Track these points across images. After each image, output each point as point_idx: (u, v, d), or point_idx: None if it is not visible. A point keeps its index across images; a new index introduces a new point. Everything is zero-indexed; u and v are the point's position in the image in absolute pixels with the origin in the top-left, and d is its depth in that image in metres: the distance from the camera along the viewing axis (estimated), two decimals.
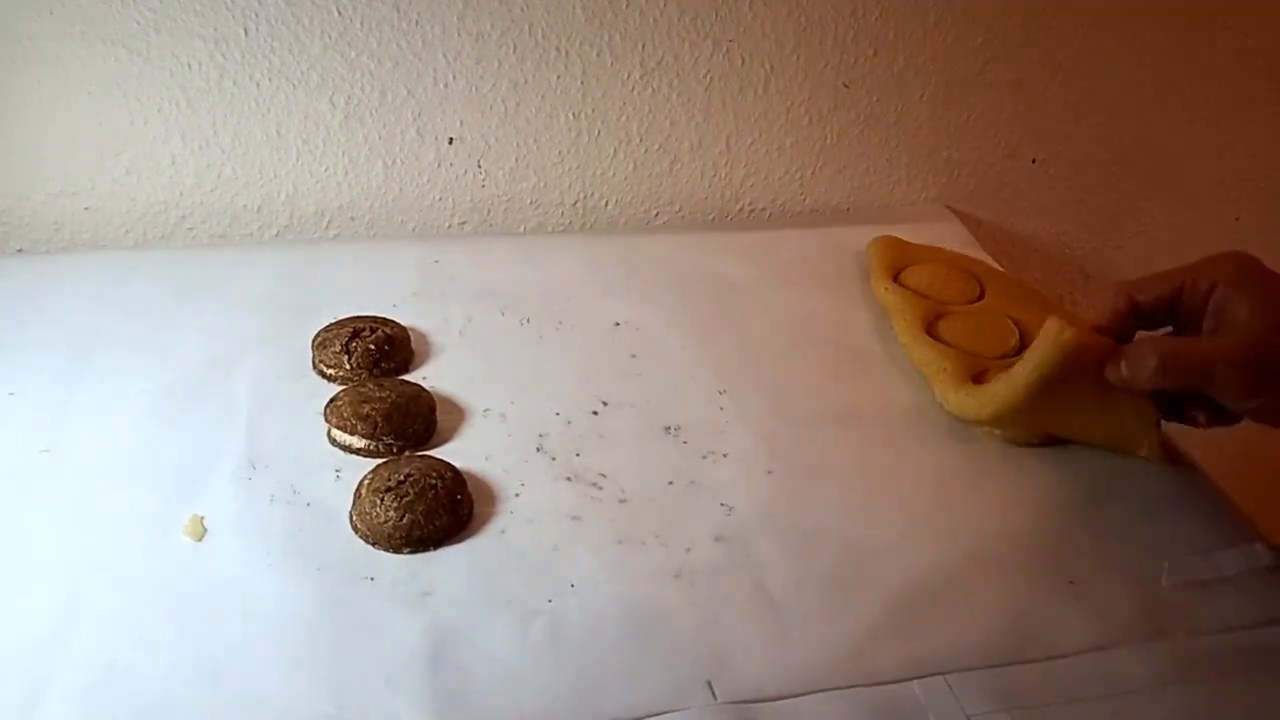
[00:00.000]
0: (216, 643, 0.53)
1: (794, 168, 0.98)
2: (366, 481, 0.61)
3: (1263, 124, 1.07)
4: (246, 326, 0.76)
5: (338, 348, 0.72)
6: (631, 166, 0.95)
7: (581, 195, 0.96)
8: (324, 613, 0.55)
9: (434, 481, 0.61)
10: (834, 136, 0.97)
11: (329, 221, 0.91)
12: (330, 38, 0.84)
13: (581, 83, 0.90)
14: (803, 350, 0.79)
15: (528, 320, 0.80)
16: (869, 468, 0.67)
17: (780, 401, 0.73)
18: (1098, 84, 1.01)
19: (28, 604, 0.54)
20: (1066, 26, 0.97)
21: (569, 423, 0.70)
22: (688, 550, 0.60)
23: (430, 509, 0.59)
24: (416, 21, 0.85)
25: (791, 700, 0.51)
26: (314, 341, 0.74)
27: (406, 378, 0.72)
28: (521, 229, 0.96)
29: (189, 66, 0.82)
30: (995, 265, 0.89)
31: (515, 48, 0.87)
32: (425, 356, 0.75)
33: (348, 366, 0.71)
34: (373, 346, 0.72)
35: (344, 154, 0.89)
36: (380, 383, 0.69)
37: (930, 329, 0.77)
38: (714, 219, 0.99)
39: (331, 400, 0.68)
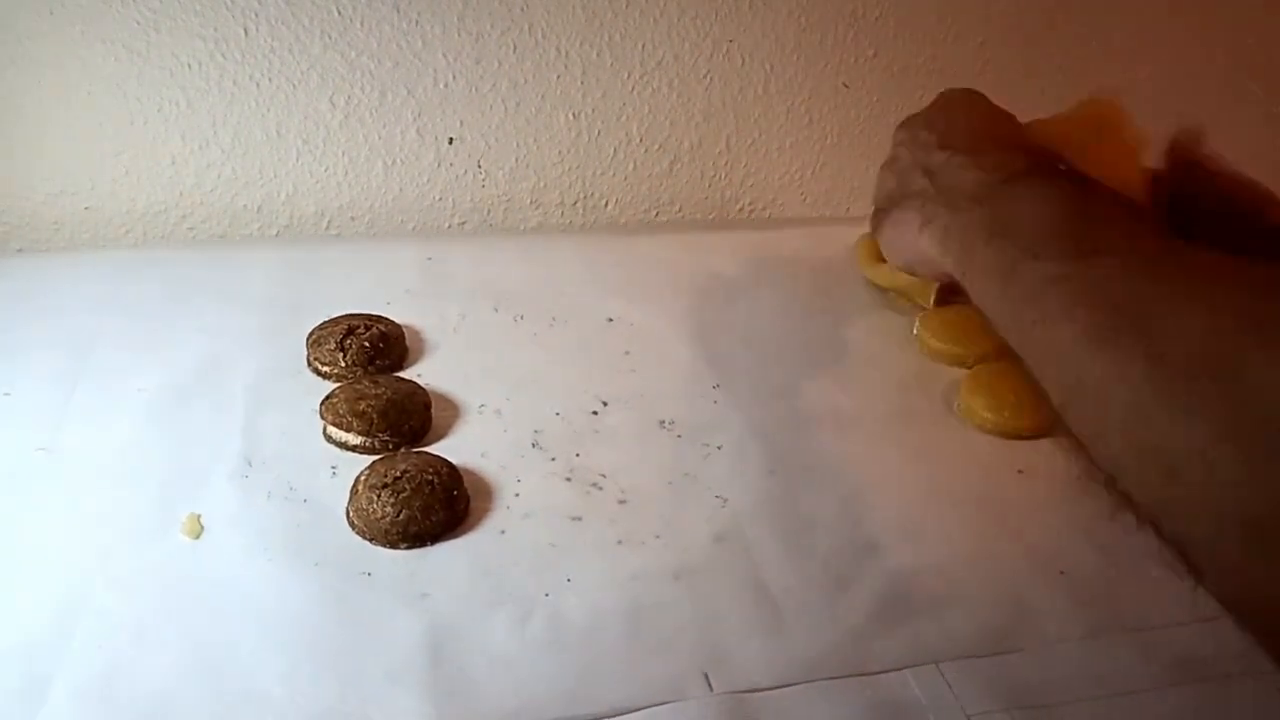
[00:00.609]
0: (216, 640, 0.52)
1: (794, 168, 0.98)
2: (363, 478, 0.61)
3: (1263, 125, 1.07)
4: (243, 325, 0.76)
5: (332, 345, 0.72)
6: (631, 166, 0.95)
7: (581, 195, 0.95)
8: (322, 609, 0.54)
9: (430, 477, 0.61)
10: (834, 137, 0.97)
11: (329, 221, 0.91)
12: (330, 38, 0.84)
13: (581, 82, 0.90)
14: (797, 348, 0.79)
15: (521, 317, 0.80)
16: (863, 462, 0.67)
17: (773, 398, 0.73)
18: (1098, 85, 1.01)
19: (27, 603, 0.54)
20: (1067, 28, 0.97)
21: (565, 420, 0.70)
22: (686, 549, 0.60)
23: (427, 505, 0.59)
24: (416, 21, 0.85)
25: (787, 690, 0.51)
26: (309, 339, 0.73)
27: (401, 374, 0.72)
28: (522, 229, 0.96)
29: (189, 66, 0.83)
30: None
31: (515, 47, 0.87)
32: (420, 353, 0.75)
33: (343, 364, 0.71)
34: (367, 344, 0.72)
35: (344, 154, 0.89)
36: (375, 379, 0.69)
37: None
38: (713, 219, 0.99)
39: (327, 397, 0.67)
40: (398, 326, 0.75)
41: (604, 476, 0.65)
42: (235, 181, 0.88)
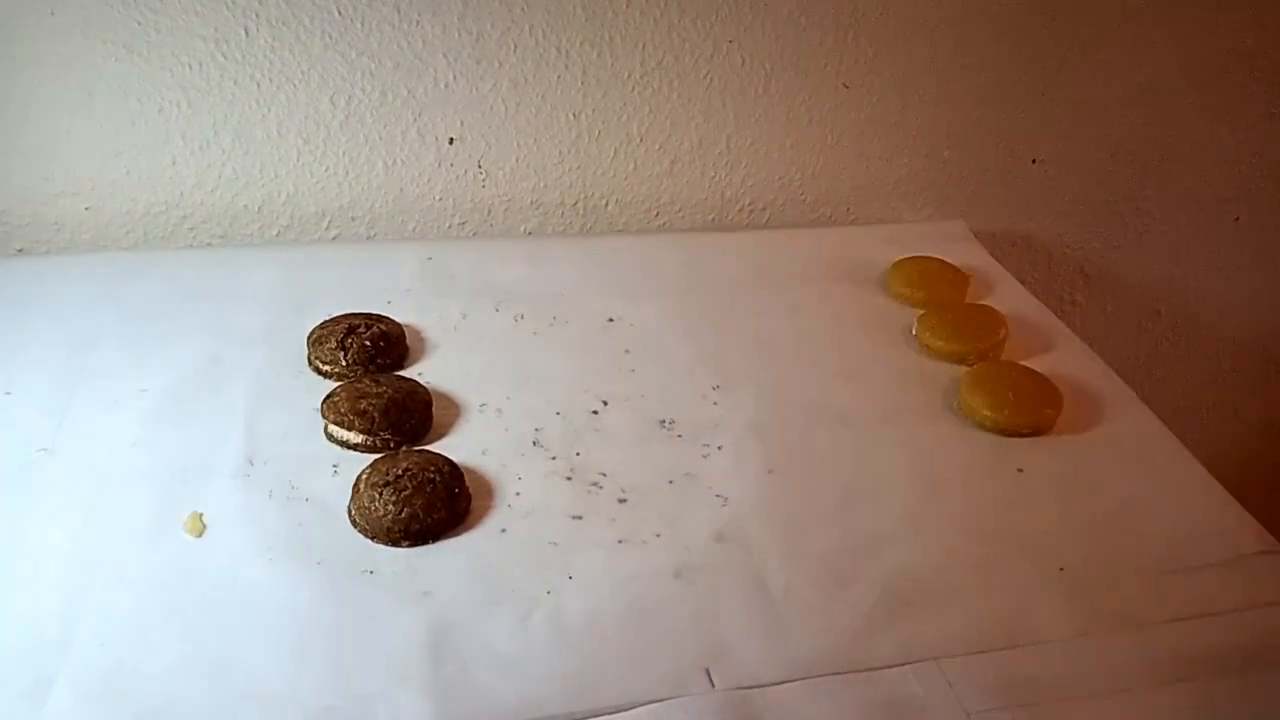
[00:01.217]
0: (219, 638, 0.53)
1: (794, 168, 0.98)
2: (365, 476, 0.61)
3: (1263, 124, 1.07)
4: (245, 325, 0.76)
5: (333, 344, 0.72)
6: (632, 166, 0.95)
7: (582, 195, 0.96)
8: (325, 606, 0.55)
9: (432, 475, 0.61)
10: (834, 137, 0.97)
11: (329, 222, 0.91)
12: (331, 38, 0.84)
13: (582, 83, 0.90)
14: (797, 348, 0.79)
15: (522, 317, 0.80)
16: (861, 462, 0.67)
17: (773, 397, 0.73)
18: (1098, 84, 1.01)
19: (30, 603, 0.54)
20: (1067, 28, 0.97)
21: (566, 419, 0.70)
22: (687, 548, 0.60)
23: (429, 503, 0.59)
24: (417, 22, 0.85)
25: (788, 686, 0.52)
26: (310, 338, 0.74)
27: (402, 373, 0.72)
28: (522, 229, 0.96)
29: (190, 67, 0.83)
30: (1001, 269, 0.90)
31: (516, 48, 0.87)
32: (421, 352, 0.75)
33: (343, 363, 0.71)
34: (368, 342, 0.72)
35: (344, 154, 0.89)
36: (376, 378, 0.69)
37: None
38: (714, 219, 0.99)
39: (328, 396, 0.68)
40: (398, 326, 0.76)
41: (604, 475, 0.65)
42: (236, 182, 0.88)
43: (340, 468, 0.64)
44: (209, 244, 0.89)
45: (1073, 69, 0.99)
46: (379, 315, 0.76)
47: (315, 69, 0.85)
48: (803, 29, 0.91)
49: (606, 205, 0.97)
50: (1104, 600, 0.58)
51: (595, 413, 0.71)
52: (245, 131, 0.86)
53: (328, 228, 0.92)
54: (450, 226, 0.94)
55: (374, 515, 0.59)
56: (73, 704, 0.49)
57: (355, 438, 0.65)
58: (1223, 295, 1.16)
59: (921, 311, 0.81)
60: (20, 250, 0.87)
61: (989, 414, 0.70)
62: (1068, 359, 0.79)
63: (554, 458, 0.67)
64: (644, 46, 0.90)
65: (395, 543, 0.59)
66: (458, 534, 0.60)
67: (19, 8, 0.78)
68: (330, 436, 0.66)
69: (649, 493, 0.64)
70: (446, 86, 0.88)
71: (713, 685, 0.52)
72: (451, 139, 0.90)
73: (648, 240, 0.94)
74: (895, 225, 0.99)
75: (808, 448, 0.68)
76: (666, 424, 0.70)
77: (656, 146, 0.95)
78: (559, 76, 0.90)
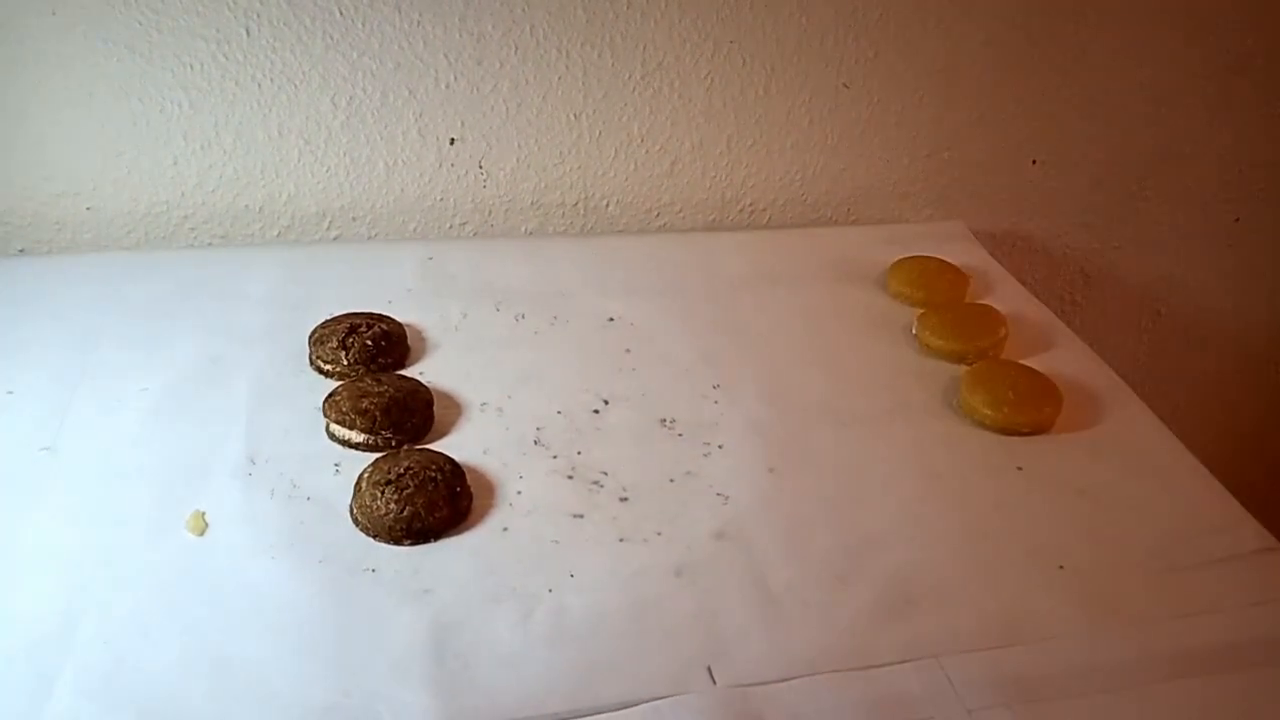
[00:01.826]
0: (221, 636, 0.53)
1: (794, 169, 0.98)
2: (366, 475, 0.61)
3: (1262, 125, 1.07)
4: (246, 325, 0.76)
5: (335, 343, 0.72)
6: (632, 167, 0.95)
7: (582, 196, 0.96)
8: (327, 604, 0.55)
9: (434, 474, 0.61)
10: (834, 137, 0.97)
11: (330, 222, 0.92)
12: (332, 38, 0.84)
13: (583, 83, 0.90)
14: (797, 347, 0.79)
15: (522, 316, 0.80)
16: (862, 460, 0.68)
17: (774, 396, 0.73)
18: (1098, 85, 1.01)
19: (32, 601, 0.54)
20: (1067, 28, 0.98)
21: (567, 418, 0.70)
22: (688, 546, 0.60)
23: (430, 501, 0.59)
24: (418, 22, 0.85)
25: (789, 683, 0.52)
26: (311, 338, 0.74)
27: (403, 373, 0.72)
28: (523, 229, 0.96)
29: (191, 67, 0.83)
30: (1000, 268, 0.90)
31: (517, 48, 0.88)
32: (421, 352, 0.76)
33: (345, 362, 0.72)
34: (369, 342, 0.72)
35: (345, 154, 0.89)
36: (378, 378, 0.69)
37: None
38: (714, 219, 0.99)
39: (330, 395, 0.68)
40: (399, 325, 0.76)
41: (605, 474, 0.65)
42: (237, 182, 0.88)
43: (342, 466, 0.64)
44: (210, 244, 0.90)
45: (1073, 69, 1.00)
46: (380, 315, 0.76)
47: (316, 69, 0.85)
48: (803, 30, 0.92)
49: (607, 206, 0.97)
50: (1103, 598, 0.58)
51: (596, 412, 0.71)
52: (246, 132, 0.86)
53: (329, 228, 0.92)
54: (451, 227, 0.94)
55: (376, 514, 0.59)
56: (74, 701, 0.49)
57: (357, 437, 0.65)
58: (1223, 295, 1.16)
59: (921, 311, 0.81)
60: (22, 250, 0.87)
61: (989, 413, 0.70)
62: (1067, 358, 0.79)
63: (555, 456, 0.67)
64: (645, 47, 0.90)
65: (397, 541, 0.59)
66: (459, 532, 0.60)
67: (20, 7, 0.79)
68: (332, 435, 0.66)
69: (650, 491, 0.64)
70: (447, 87, 0.88)
71: (714, 682, 0.52)
72: (452, 139, 0.91)
73: (648, 240, 0.95)
74: (895, 225, 1.00)
75: (808, 446, 0.69)
76: (667, 423, 0.70)
77: (657, 147, 0.95)
78: (560, 77, 0.90)
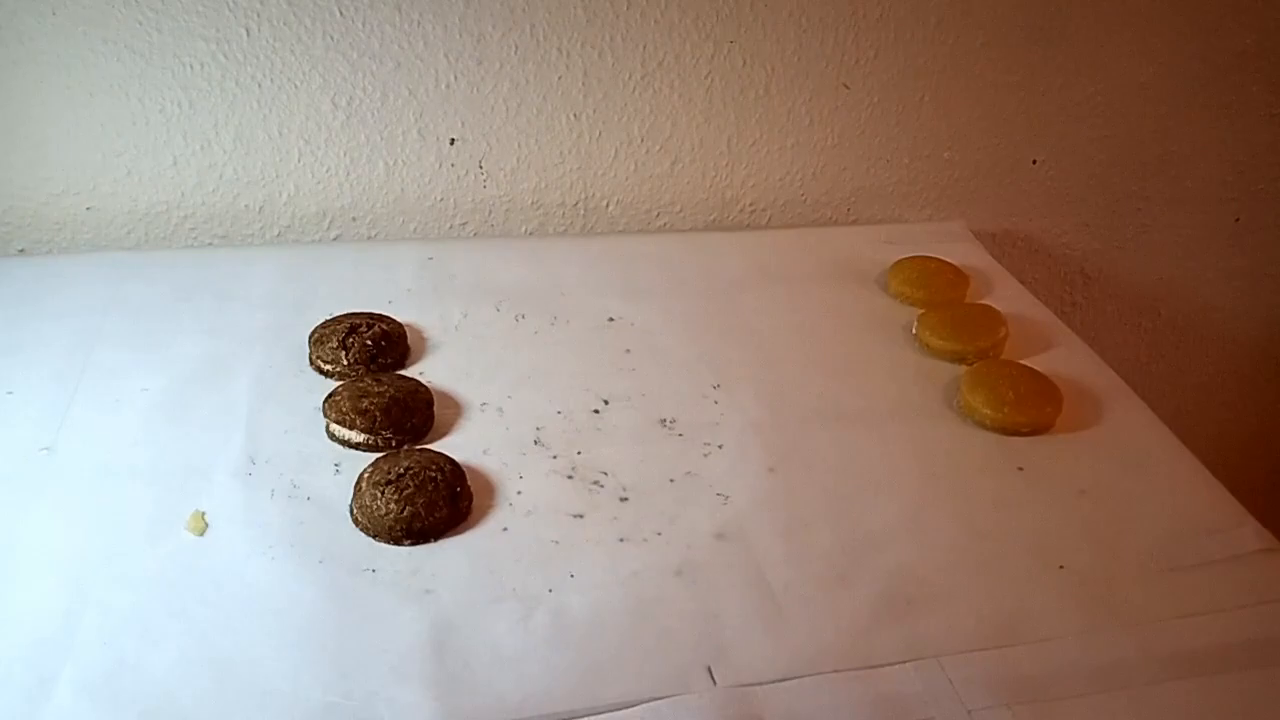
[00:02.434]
0: (222, 636, 0.53)
1: (795, 169, 0.98)
2: (366, 475, 0.61)
3: (1262, 125, 1.07)
4: (246, 325, 0.76)
5: (335, 343, 0.72)
6: (633, 167, 0.95)
7: (583, 196, 0.96)
8: (327, 604, 0.55)
9: (434, 474, 0.61)
10: (835, 137, 0.97)
11: (330, 222, 0.92)
12: (332, 38, 0.84)
13: (583, 84, 0.90)
14: (798, 347, 0.79)
15: (522, 316, 0.80)
16: (862, 460, 0.68)
17: (774, 396, 0.73)
18: (1099, 85, 1.01)
19: (32, 601, 0.54)
20: (1068, 28, 0.98)
21: (567, 418, 0.70)
22: (688, 546, 0.60)
23: (430, 501, 0.59)
24: (418, 23, 0.85)
25: (789, 683, 0.52)
26: (311, 338, 0.74)
27: (403, 373, 0.72)
28: (523, 230, 0.96)
29: (191, 67, 0.83)
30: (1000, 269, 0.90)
31: (517, 48, 0.88)
32: (422, 352, 0.76)
33: (345, 362, 0.72)
34: (369, 342, 0.72)
35: (346, 155, 0.89)
36: (378, 378, 0.69)
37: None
38: (714, 219, 0.99)
39: (330, 395, 0.68)
40: (399, 325, 0.76)
41: (605, 474, 0.65)
42: (237, 182, 0.88)
43: (342, 466, 0.64)
44: (210, 244, 0.90)
45: (1073, 69, 1.00)
46: (380, 315, 0.76)
47: (317, 69, 0.85)
48: (803, 30, 0.92)
49: (607, 206, 0.97)
50: (1104, 598, 0.58)
51: (596, 412, 0.71)
52: (246, 132, 0.86)
53: (329, 228, 0.92)
54: (451, 227, 0.94)
55: (376, 514, 0.59)
56: (75, 701, 0.49)
57: (357, 437, 0.65)
58: (1223, 295, 1.16)
59: (921, 311, 0.81)
60: (22, 250, 0.87)
61: (989, 413, 0.70)
62: (1068, 358, 0.79)
63: (555, 456, 0.67)
64: (645, 47, 0.90)
65: (397, 541, 0.59)
66: (459, 532, 0.60)
67: (21, 7, 0.79)
68: (332, 435, 0.66)
69: (650, 491, 0.64)
70: (448, 87, 0.88)
71: (714, 683, 0.52)
72: (452, 140, 0.91)
73: (649, 240, 0.95)
74: (895, 225, 1.00)
75: (808, 446, 0.69)
76: (667, 423, 0.70)
77: (657, 147, 0.95)
78: (560, 77, 0.90)
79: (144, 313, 0.77)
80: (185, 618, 0.54)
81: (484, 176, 0.93)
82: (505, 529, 0.61)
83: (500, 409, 0.71)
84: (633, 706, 0.50)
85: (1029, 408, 0.71)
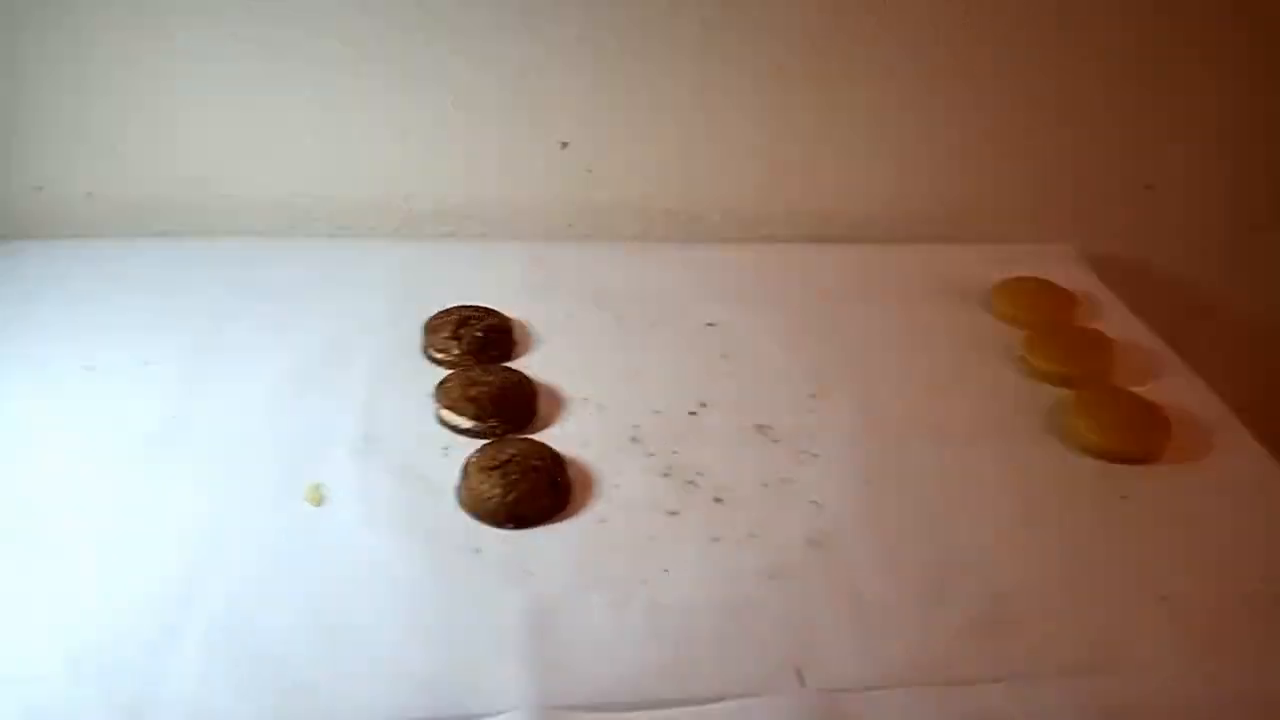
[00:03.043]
0: (335, 602, 0.56)
1: (901, 184, 0.98)
2: (474, 459, 0.64)
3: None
4: (366, 312, 0.80)
5: (447, 334, 0.75)
6: (738, 177, 0.96)
7: (687, 203, 0.97)
8: (433, 580, 0.57)
9: (536, 463, 0.63)
10: (943, 154, 0.97)
11: (444, 219, 0.95)
12: (458, 42, 0.87)
13: (694, 93, 0.92)
14: (897, 362, 0.79)
15: (624, 317, 0.82)
16: (960, 478, 0.67)
17: (872, 409, 0.73)
18: (1220, 111, 0.99)
19: (161, 558, 0.58)
20: (1191, 52, 0.95)
21: (664, 418, 0.71)
22: (781, 550, 0.61)
23: (533, 488, 0.62)
24: (540, 29, 0.88)
25: (879, 692, 0.52)
26: (425, 327, 0.77)
27: (510, 365, 0.75)
28: (627, 234, 0.98)
29: (326, 65, 0.87)
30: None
31: (634, 56, 0.90)
32: (527, 346, 0.78)
33: (456, 352, 0.74)
34: (480, 334, 0.75)
35: (463, 155, 0.92)
36: (486, 368, 0.72)
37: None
38: (817, 232, 0.99)
39: (442, 382, 0.71)
40: (507, 319, 0.79)
41: (700, 475, 0.67)
42: (361, 177, 0.92)
43: (450, 450, 0.67)
44: (334, 235, 0.94)
45: (1194, 92, 0.97)
46: (490, 309, 0.79)
47: (442, 71, 0.88)
48: (918, 45, 0.92)
49: (711, 214, 0.98)
50: (1207, 632, 0.57)
51: (693, 413, 0.72)
52: (372, 129, 0.90)
53: (444, 224, 0.95)
54: (558, 228, 0.97)
55: (481, 497, 0.61)
56: (197, 652, 0.52)
57: (465, 423, 0.68)
58: None
59: (1026, 332, 0.81)
60: (162, 231, 0.93)
61: (1094, 438, 0.69)
62: (1177, 388, 0.77)
63: (652, 454, 0.68)
64: (758, 58, 0.91)
65: (500, 524, 0.61)
66: (558, 520, 0.62)
67: (174, 5, 0.84)
68: (442, 420, 0.69)
69: (744, 494, 0.65)
70: (564, 92, 0.91)
71: (803, 684, 0.52)
72: (564, 143, 0.93)
73: (751, 249, 0.95)
74: (1001, 245, 0.98)
75: (905, 461, 0.69)
76: (763, 429, 0.71)
77: (764, 158, 0.96)
78: (672, 85, 0.92)
79: (272, 296, 0.81)
80: (301, 582, 0.57)
81: (593, 181, 0.95)
82: (602, 520, 0.63)
83: (600, 405, 0.72)
84: (722, 701, 0.51)
85: (1136, 435, 0.69)
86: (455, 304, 0.79)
